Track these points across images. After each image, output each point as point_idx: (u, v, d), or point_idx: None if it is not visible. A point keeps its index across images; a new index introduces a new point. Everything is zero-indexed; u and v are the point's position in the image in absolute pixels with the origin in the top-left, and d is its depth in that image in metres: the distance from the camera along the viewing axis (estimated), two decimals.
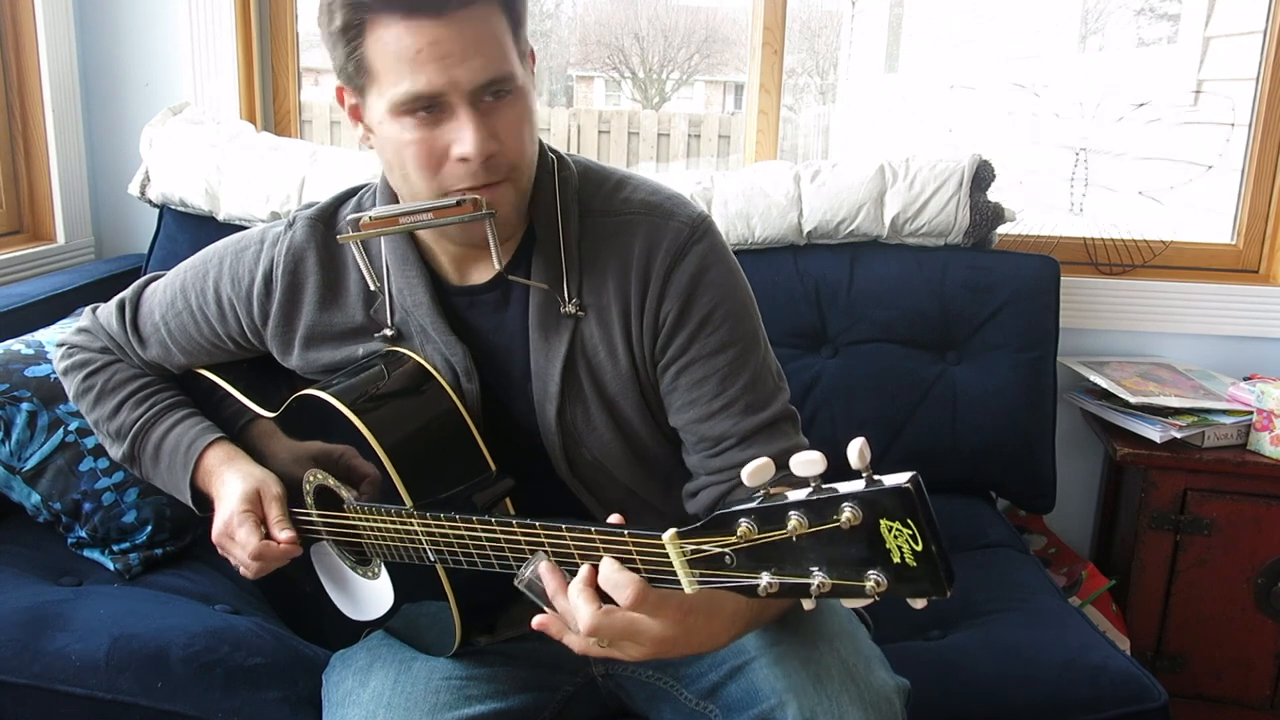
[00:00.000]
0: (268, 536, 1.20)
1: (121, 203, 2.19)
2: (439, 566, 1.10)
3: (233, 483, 1.23)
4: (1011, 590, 1.57)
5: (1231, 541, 1.89)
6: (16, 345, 1.60)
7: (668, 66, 7.60)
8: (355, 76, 1.06)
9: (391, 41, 1.01)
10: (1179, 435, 1.88)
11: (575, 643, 0.93)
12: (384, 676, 1.14)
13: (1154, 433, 1.89)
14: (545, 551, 0.96)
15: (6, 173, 2.10)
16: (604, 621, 0.89)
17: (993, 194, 1.91)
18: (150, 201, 2.04)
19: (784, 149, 2.30)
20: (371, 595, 1.23)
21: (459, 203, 1.04)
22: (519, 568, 0.97)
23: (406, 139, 1.04)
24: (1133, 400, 1.91)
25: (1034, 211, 2.17)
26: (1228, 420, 1.90)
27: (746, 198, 1.90)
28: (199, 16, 2.13)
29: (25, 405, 1.52)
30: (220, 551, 1.25)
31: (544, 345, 1.15)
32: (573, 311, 1.14)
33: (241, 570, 1.23)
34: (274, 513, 1.21)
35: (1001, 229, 1.93)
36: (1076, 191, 2.18)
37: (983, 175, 1.90)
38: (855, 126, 6.37)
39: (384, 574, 1.20)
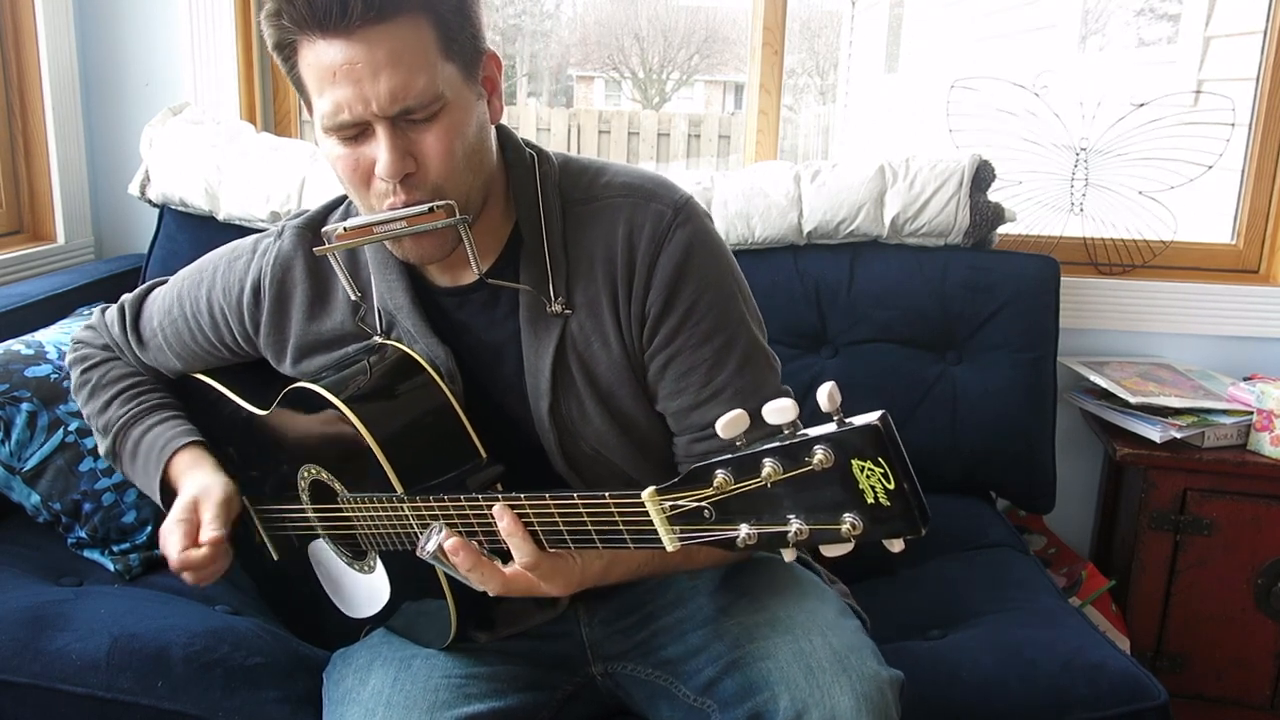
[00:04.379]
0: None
1: (121, 203, 2.19)
2: None
3: (184, 490, 1.25)
4: (1011, 590, 1.57)
5: (1231, 541, 1.89)
6: (16, 345, 1.60)
7: (668, 66, 7.60)
8: (299, 92, 1.08)
9: (313, 61, 1.02)
10: (1179, 435, 1.88)
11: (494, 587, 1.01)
12: (384, 674, 1.14)
13: (1154, 433, 1.89)
14: (443, 524, 1.01)
15: (6, 173, 2.10)
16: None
17: (993, 194, 1.91)
18: (150, 201, 2.04)
19: (784, 149, 2.30)
20: (368, 590, 1.23)
21: (431, 209, 1.04)
22: (422, 539, 1.01)
23: (336, 155, 1.06)
24: (1133, 400, 1.91)
25: (1034, 211, 2.17)
26: (1228, 420, 1.90)
27: (746, 198, 1.90)
28: (199, 16, 2.13)
29: (25, 405, 1.52)
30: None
31: (534, 342, 1.15)
32: (559, 311, 1.14)
33: (185, 580, 1.23)
34: (206, 515, 1.22)
35: (1001, 229, 1.93)
36: (1076, 191, 2.18)
37: (983, 175, 1.90)
38: (855, 126, 6.37)
39: (379, 567, 1.21)
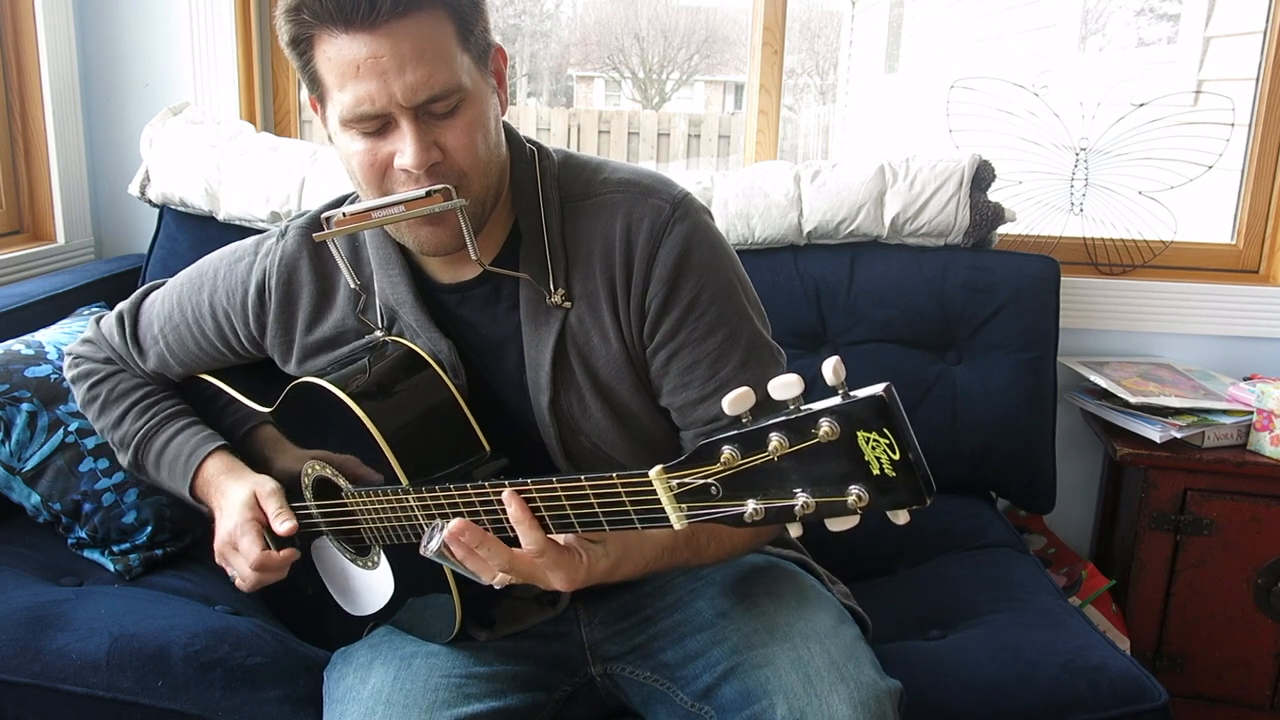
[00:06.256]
0: (270, 535, 1.21)
1: (121, 203, 2.19)
2: None
3: (231, 493, 1.25)
4: (1011, 590, 1.57)
5: (1231, 541, 1.89)
6: (16, 345, 1.60)
7: (668, 66, 7.60)
8: (312, 87, 1.08)
9: (334, 55, 1.02)
10: (1179, 435, 1.88)
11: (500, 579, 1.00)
12: (384, 673, 1.14)
13: (1154, 433, 1.88)
14: (446, 519, 1.00)
15: (6, 173, 2.10)
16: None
17: (993, 194, 1.91)
18: (150, 201, 2.04)
19: (784, 149, 2.30)
20: (372, 586, 1.24)
21: (428, 193, 1.04)
22: (429, 537, 1.00)
23: (353, 149, 1.06)
24: (1133, 400, 1.91)
25: (1034, 211, 2.17)
26: (1228, 420, 1.90)
27: (746, 198, 1.90)
28: (199, 16, 2.13)
29: (25, 405, 1.52)
30: (220, 563, 1.26)
31: (535, 336, 1.15)
32: (559, 302, 1.14)
33: (238, 583, 1.24)
34: (272, 507, 1.21)
35: (1001, 229, 1.93)
36: (1076, 191, 2.18)
37: (983, 175, 1.90)
38: (855, 126, 6.37)
39: (383, 562, 1.21)
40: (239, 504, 1.23)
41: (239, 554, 1.22)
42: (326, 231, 1.11)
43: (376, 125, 1.04)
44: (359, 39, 1.00)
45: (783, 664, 1.05)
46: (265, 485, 1.23)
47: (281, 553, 1.20)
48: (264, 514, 1.22)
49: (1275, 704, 1.94)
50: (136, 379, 1.37)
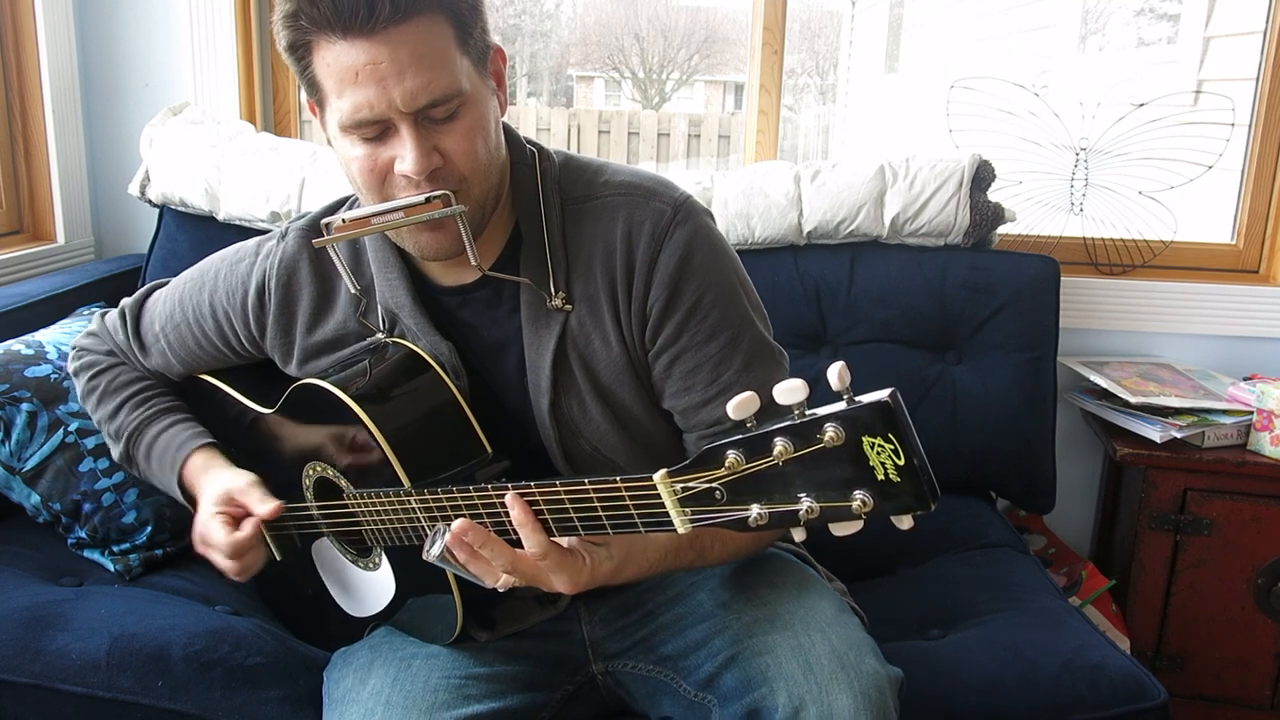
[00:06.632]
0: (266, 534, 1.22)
1: (121, 203, 2.19)
2: None
3: (207, 489, 1.26)
4: (1011, 590, 1.57)
5: (1231, 541, 1.89)
6: (16, 345, 1.60)
7: (668, 66, 7.60)
8: (310, 92, 1.08)
9: (333, 61, 1.02)
10: (1179, 435, 1.88)
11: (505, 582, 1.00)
12: (384, 675, 1.14)
13: (1154, 433, 1.89)
14: (448, 523, 0.99)
15: (6, 173, 2.10)
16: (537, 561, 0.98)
17: (993, 194, 1.91)
18: (150, 201, 2.04)
19: (784, 149, 2.30)
20: (373, 588, 1.24)
21: (428, 199, 1.04)
22: (429, 542, 0.99)
23: (353, 154, 1.06)
24: (1133, 400, 1.91)
25: (1034, 211, 2.17)
26: (1228, 420, 1.90)
27: (746, 198, 1.90)
28: (199, 16, 2.13)
29: (25, 405, 1.52)
30: (206, 558, 1.27)
31: (535, 338, 1.15)
32: (560, 305, 1.14)
33: (229, 574, 1.24)
34: (253, 498, 1.22)
35: (1001, 229, 1.93)
36: (1076, 191, 2.18)
37: (983, 175, 1.90)
38: (855, 126, 6.37)
39: (384, 563, 1.21)
40: (208, 499, 1.24)
41: (213, 547, 1.23)
42: (327, 237, 1.11)
43: (376, 131, 1.04)
44: (357, 45, 1.00)
45: (783, 652, 1.05)
46: (240, 480, 1.24)
47: (245, 531, 1.20)
48: (236, 507, 1.23)
49: (1275, 704, 1.94)
50: (136, 373, 1.38)
